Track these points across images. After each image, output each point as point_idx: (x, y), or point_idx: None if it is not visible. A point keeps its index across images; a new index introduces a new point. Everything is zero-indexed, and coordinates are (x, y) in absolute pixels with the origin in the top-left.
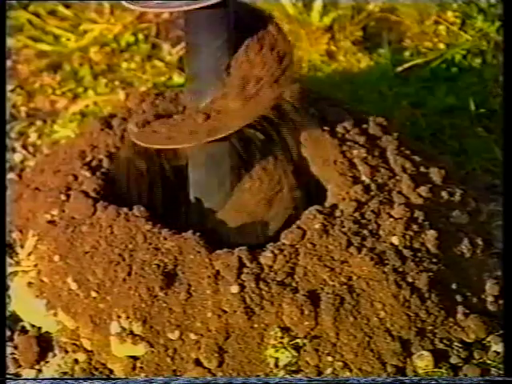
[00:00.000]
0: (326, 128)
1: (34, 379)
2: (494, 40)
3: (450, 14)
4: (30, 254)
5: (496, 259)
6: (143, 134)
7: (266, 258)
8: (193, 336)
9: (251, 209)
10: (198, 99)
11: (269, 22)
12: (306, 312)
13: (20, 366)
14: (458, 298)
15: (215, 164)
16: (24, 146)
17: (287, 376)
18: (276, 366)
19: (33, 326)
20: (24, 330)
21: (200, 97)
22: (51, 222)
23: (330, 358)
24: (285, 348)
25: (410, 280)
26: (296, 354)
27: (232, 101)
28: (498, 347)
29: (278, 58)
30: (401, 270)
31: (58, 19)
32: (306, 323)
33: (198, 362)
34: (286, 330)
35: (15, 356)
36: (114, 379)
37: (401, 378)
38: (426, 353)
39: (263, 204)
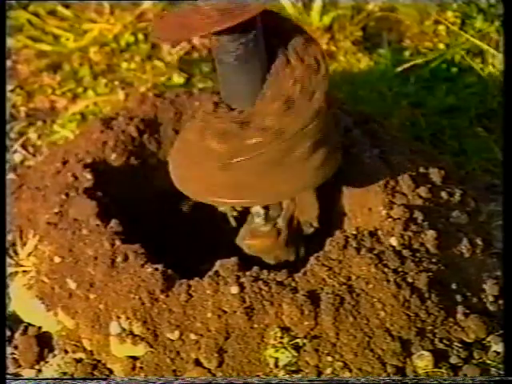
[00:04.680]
0: None
1: (34, 379)
2: (494, 40)
3: (449, 14)
4: (30, 255)
5: (495, 259)
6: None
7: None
8: (193, 336)
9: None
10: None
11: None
12: (306, 312)
13: (20, 366)
14: (458, 298)
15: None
16: (24, 146)
17: (287, 376)
18: (276, 365)
19: (33, 325)
20: (24, 330)
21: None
22: (51, 223)
23: (329, 358)
24: (285, 348)
25: (409, 280)
26: (296, 354)
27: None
28: (497, 347)
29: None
30: (400, 270)
31: (57, 19)
32: (306, 323)
33: (197, 362)
34: (285, 330)
35: (15, 356)
36: (114, 379)
37: (401, 378)
38: (426, 353)
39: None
